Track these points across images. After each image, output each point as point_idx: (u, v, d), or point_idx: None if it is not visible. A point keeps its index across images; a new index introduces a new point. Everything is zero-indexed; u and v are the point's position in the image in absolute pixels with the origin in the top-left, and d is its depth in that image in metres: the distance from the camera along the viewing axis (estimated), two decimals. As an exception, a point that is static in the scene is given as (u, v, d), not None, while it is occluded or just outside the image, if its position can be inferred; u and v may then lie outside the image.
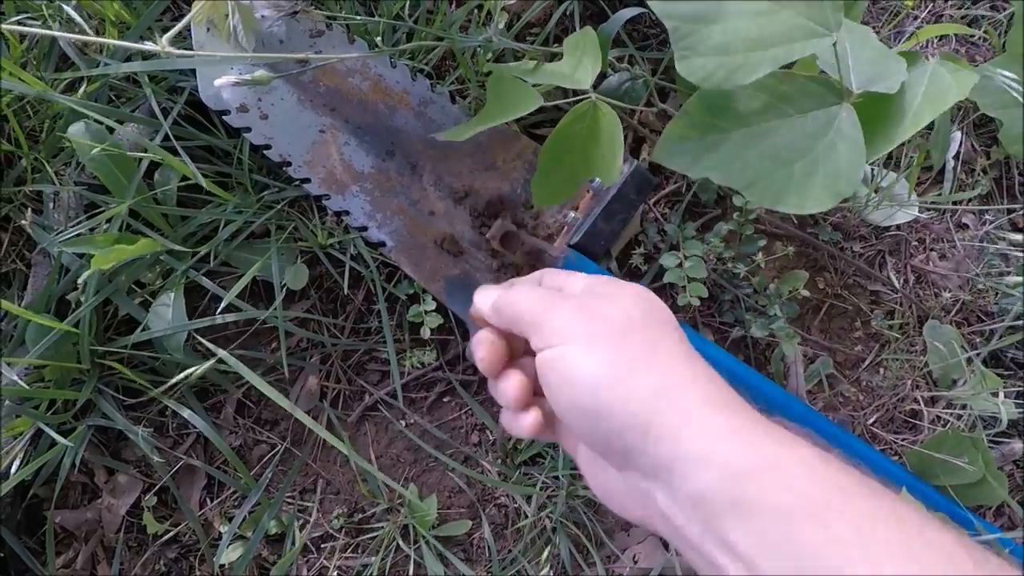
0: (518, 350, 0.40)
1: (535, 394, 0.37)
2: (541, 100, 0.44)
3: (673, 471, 0.29)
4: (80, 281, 0.53)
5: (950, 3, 0.79)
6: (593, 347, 0.32)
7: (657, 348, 0.32)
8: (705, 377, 0.32)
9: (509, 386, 0.36)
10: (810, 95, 0.48)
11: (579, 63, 0.48)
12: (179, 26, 0.39)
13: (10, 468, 0.56)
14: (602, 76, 0.64)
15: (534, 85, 0.47)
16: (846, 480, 0.27)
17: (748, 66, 0.46)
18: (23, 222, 0.54)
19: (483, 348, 0.38)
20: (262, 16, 0.53)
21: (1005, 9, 0.79)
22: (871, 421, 0.70)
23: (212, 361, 0.56)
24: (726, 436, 0.29)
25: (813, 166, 0.47)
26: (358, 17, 0.56)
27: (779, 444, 0.28)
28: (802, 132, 0.48)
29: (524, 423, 0.36)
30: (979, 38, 0.80)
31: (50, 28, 0.59)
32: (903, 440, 0.69)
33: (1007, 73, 0.50)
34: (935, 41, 0.77)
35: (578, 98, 0.45)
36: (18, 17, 0.58)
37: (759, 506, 0.26)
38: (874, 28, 0.78)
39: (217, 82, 0.41)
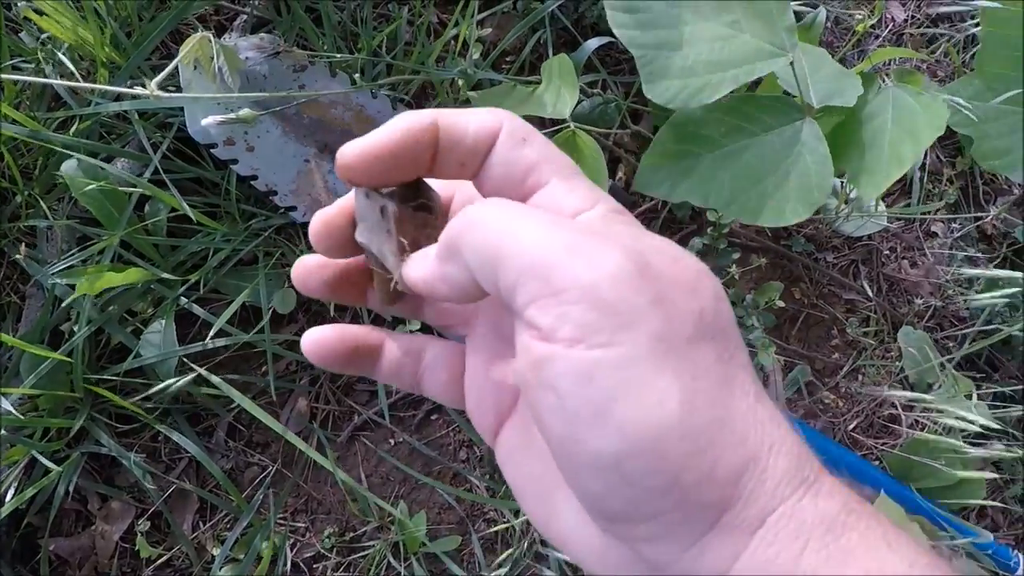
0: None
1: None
2: None
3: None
4: (71, 308, 0.54)
5: (911, 24, 0.83)
6: (664, 357, 0.18)
7: (733, 379, 0.20)
8: (782, 435, 0.20)
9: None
10: (773, 113, 0.51)
11: (557, 93, 0.50)
12: (166, 71, 0.42)
13: (4, 497, 0.57)
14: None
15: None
16: None
17: (710, 86, 0.49)
18: (18, 256, 0.56)
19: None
20: (246, 57, 0.55)
21: (964, 29, 0.82)
22: (851, 427, 0.71)
23: (190, 377, 0.58)
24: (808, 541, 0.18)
25: (784, 179, 0.50)
26: (338, 55, 0.58)
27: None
28: (770, 149, 0.51)
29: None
30: (940, 54, 0.83)
31: (43, 70, 0.61)
32: (883, 444, 0.71)
33: (960, 100, 0.53)
34: (895, 59, 0.80)
35: (557, 128, 0.48)
36: (12, 61, 0.61)
37: None
38: (837, 48, 0.81)
39: (204, 122, 0.43)
